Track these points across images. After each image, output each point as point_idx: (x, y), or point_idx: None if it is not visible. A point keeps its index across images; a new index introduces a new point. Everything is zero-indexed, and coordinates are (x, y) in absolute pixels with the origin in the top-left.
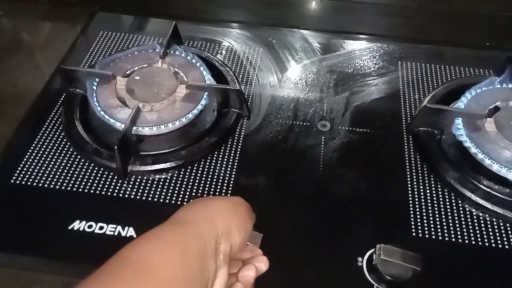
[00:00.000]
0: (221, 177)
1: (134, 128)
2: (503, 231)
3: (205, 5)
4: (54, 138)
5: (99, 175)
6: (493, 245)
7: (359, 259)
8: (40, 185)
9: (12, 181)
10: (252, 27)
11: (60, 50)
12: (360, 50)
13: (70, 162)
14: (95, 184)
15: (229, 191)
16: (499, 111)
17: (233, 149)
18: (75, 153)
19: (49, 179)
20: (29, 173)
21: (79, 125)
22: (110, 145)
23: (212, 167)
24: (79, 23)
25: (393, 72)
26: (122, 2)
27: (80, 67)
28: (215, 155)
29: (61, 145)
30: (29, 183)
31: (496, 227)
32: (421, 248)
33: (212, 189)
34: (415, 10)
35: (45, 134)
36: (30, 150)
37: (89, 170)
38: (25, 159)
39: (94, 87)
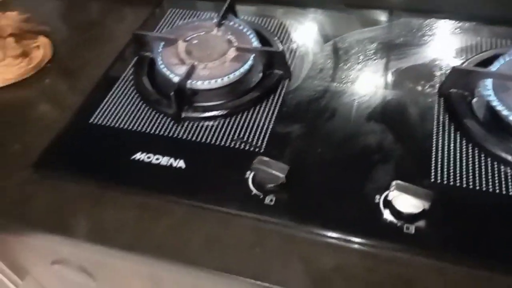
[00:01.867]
0: (260, 126)
1: (189, 81)
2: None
3: None
4: (126, 90)
5: (159, 120)
6: (508, 193)
7: (377, 196)
8: (112, 125)
9: (90, 121)
10: (300, 3)
11: (135, 25)
12: (397, 23)
13: (137, 109)
14: (155, 126)
15: (266, 139)
16: None
17: (273, 104)
18: (141, 102)
19: (119, 121)
20: (104, 115)
21: (146, 80)
22: (169, 95)
23: (253, 118)
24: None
25: (430, 42)
26: None
27: (149, 32)
28: (257, 109)
29: (131, 96)
30: (103, 123)
31: None
32: (438, 190)
33: (252, 135)
34: None
35: (119, 87)
36: (106, 99)
37: (152, 115)
38: (101, 105)
39: (160, 49)
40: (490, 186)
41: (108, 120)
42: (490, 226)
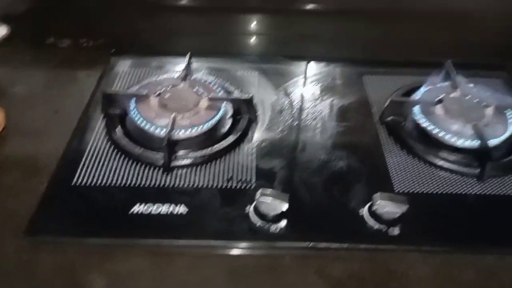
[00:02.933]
0: (244, 165)
1: (173, 132)
2: (459, 182)
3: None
4: (102, 148)
5: (145, 172)
6: (453, 192)
7: (360, 210)
8: (99, 184)
9: (74, 182)
10: (245, 58)
11: (87, 84)
12: (333, 69)
13: (120, 165)
14: (144, 179)
15: (254, 175)
16: (445, 100)
17: (250, 145)
18: (122, 157)
19: (105, 178)
20: (87, 176)
21: (124, 136)
22: (152, 148)
23: (236, 159)
24: (99, 63)
25: (361, 83)
26: (134, 45)
27: (121, 90)
28: (237, 150)
29: (109, 153)
30: (89, 183)
31: (453, 180)
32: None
33: (239, 174)
34: (371, 39)
35: (94, 146)
36: (84, 159)
37: (137, 169)
38: (81, 166)
39: (133, 106)
40: (435, 188)
41: (93, 180)
42: (445, 217)
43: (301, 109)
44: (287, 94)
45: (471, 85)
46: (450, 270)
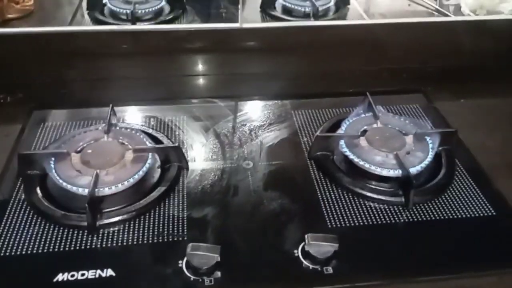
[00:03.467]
0: (175, 216)
1: (96, 190)
2: (387, 212)
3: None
4: (21, 213)
5: (69, 235)
6: (383, 222)
7: (295, 251)
8: (18, 253)
9: None
10: (172, 102)
11: (4, 146)
12: (262, 107)
13: (41, 230)
14: (68, 242)
15: (185, 226)
16: (368, 132)
17: (181, 194)
18: (44, 222)
19: (25, 247)
20: (4, 245)
21: (43, 199)
22: (76, 209)
23: (166, 210)
24: (18, 120)
25: (290, 119)
26: (56, 97)
27: (38, 150)
28: (167, 201)
29: (29, 218)
30: (6, 254)
31: (382, 210)
32: (336, 233)
33: (170, 227)
34: (296, 73)
35: (12, 212)
36: (1, 227)
37: (59, 233)
38: None
39: (52, 166)
40: (365, 220)
41: (12, 249)
42: (376, 248)
43: (231, 150)
44: (217, 137)
45: (391, 114)
46: None
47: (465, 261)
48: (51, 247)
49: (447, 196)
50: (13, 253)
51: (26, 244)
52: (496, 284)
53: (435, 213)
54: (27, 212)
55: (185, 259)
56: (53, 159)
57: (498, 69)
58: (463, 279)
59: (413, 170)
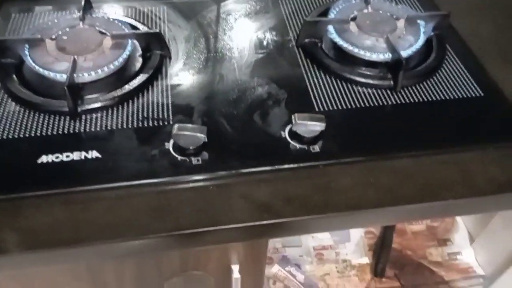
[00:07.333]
0: (160, 103)
1: (75, 75)
2: (376, 95)
3: None
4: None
5: (50, 121)
6: (371, 105)
7: (282, 132)
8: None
9: None
10: None
11: None
12: None
13: (21, 117)
14: (50, 128)
15: (170, 112)
16: (357, 17)
17: (165, 82)
18: (23, 109)
19: (5, 133)
20: None
21: (21, 87)
22: (56, 96)
23: (150, 97)
24: None
25: (277, 7)
26: None
27: (11, 36)
28: (151, 89)
29: (7, 106)
30: None
31: (371, 93)
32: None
33: (155, 112)
34: None
35: None
36: None
37: (41, 119)
38: None
39: (27, 52)
40: (353, 103)
41: None
42: (363, 129)
43: (216, 40)
44: (200, 26)
45: (382, 0)
46: (369, 177)
47: (449, 138)
48: (33, 132)
49: (436, 79)
50: None
51: (7, 130)
52: (479, 158)
53: (423, 95)
54: (4, 99)
55: (171, 141)
56: (27, 46)
57: None
58: (445, 154)
59: (404, 54)
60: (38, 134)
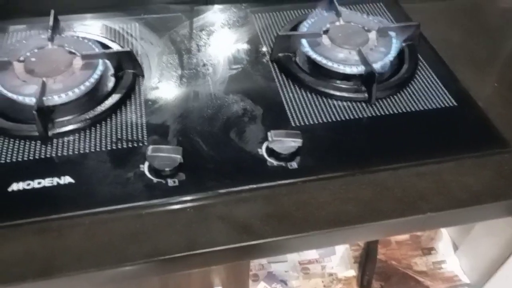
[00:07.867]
0: (134, 123)
1: (44, 98)
2: (350, 109)
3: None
4: None
5: (20, 146)
6: (346, 118)
7: (259, 150)
8: None
9: None
10: (122, 9)
11: None
12: (220, 11)
13: None
14: (20, 154)
15: (145, 132)
16: (330, 30)
17: (138, 101)
18: None
19: None
20: None
21: None
22: (26, 120)
23: (124, 118)
24: None
25: (250, 22)
26: None
27: None
28: (124, 109)
29: None
30: None
31: (346, 107)
32: (299, 131)
33: (129, 133)
34: None
35: None
36: None
37: (10, 145)
38: None
39: None
40: (328, 117)
41: None
42: (340, 143)
43: (189, 57)
44: (173, 43)
45: (353, 12)
46: (348, 191)
47: (425, 149)
48: (3, 159)
49: (409, 90)
50: None
51: None
52: (455, 168)
53: (398, 107)
54: None
55: (146, 163)
56: None
57: None
58: (422, 166)
59: (377, 66)
60: (8, 161)
